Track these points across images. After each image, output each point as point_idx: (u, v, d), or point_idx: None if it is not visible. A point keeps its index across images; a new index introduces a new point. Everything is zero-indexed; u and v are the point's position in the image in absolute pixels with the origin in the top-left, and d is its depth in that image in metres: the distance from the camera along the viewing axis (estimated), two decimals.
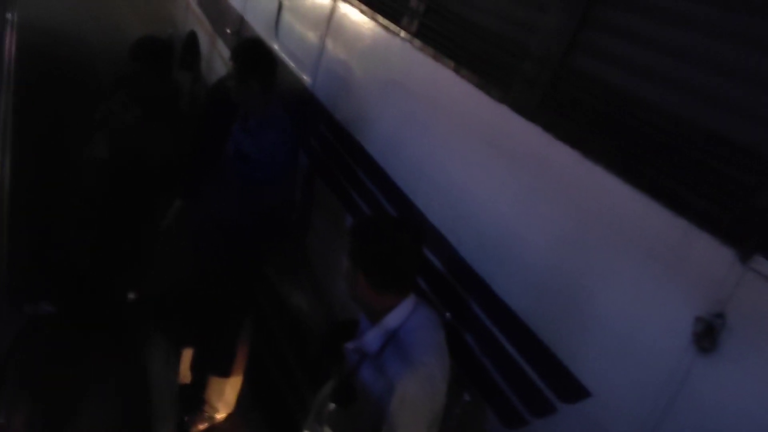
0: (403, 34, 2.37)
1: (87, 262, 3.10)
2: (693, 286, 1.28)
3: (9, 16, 2.28)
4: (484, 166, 1.91)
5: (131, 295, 3.26)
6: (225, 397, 2.88)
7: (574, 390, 1.50)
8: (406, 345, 1.67)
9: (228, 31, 4.27)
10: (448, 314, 1.92)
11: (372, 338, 1.72)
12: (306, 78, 3.13)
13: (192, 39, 5.12)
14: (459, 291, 1.93)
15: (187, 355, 3.02)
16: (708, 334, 1.23)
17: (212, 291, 2.77)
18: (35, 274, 2.96)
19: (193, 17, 5.26)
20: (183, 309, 3.10)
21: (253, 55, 2.69)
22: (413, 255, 1.76)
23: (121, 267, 3.09)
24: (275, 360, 3.33)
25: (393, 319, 1.71)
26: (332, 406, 1.80)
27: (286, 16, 3.50)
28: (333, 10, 2.95)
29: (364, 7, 2.66)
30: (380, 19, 2.53)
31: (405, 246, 1.72)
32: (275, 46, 3.46)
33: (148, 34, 2.92)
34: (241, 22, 4.12)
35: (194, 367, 3.00)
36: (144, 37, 2.88)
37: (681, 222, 1.31)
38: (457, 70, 2.05)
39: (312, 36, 3.13)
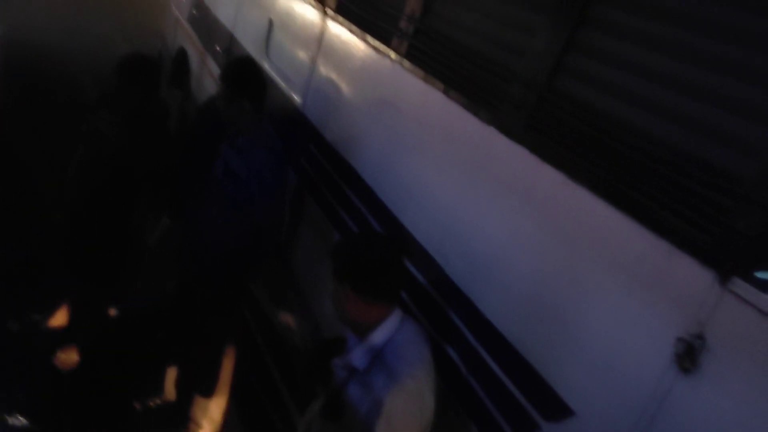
0: (392, 55, 2.41)
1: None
2: (674, 307, 1.31)
3: None
4: (471, 186, 1.94)
5: (114, 311, 3.23)
6: (210, 415, 2.87)
7: (557, 408, 1.51)
8: (392, 361, 1.68)
9: (218, 48, 4.29)
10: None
11: (359, 355, 1.73)
12: (296, 97, 3.16)
13: (182, 56, 5.13)
14: (445, 309, 1.94)
15: (171, 372, 3.00)
16: (689, 355, 1.26)
17: (198, 309, 2.77)
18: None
19: (182, 33, 5.28)
20: (168, 326, 3.09)
21: (244, 74, 2.71)
22: (399, 265, 1.79)
23: (103, 281, 3.05)
24: (261, 377, 3.32)
25: (380, 334, 1.72)
26: (321, 421, 1.80)
27: (277, 35, 3.54)
28: (323, 29, 2.99)
29: (354, 28, 2.70)
30: (370, 39, 2.57)
31: (391, 256, 1.77)
32: (265, 65, 3.48)
33: (135, 51, 2.88)
34: (231, 40, 4.15)
35: (179, 384, 2.98)
36: (130, 54, 2.85)
37: (663, 244, 1.34)
38: (445, 92, 2.08)
39: (302, 55, 3.17)
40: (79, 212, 2.89)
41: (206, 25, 4.71)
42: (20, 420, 1.93)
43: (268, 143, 2.64)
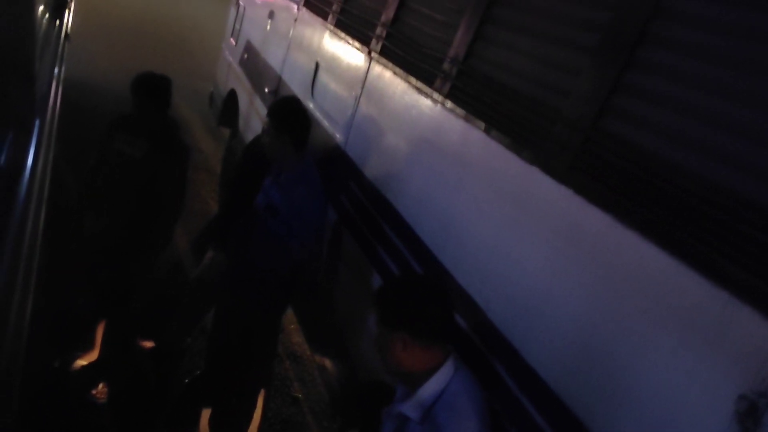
0: (435, 95, 2.40)
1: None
2: (736, 362, 1.21)
3: (56, 71, 2.32)
4: (513, 227, 1.88)
5: (149, 344, 3.23)
6: None
7: None
8: (443, 420, 1.60)
9: (266, 90, 4.40)
10: None
11: (410, 408, 1.67)
12: (338, 136, 3.18)
13: (232, 97, 5.30)
14: (486, 355, 1.87)
15: (206, 411, 2.98)
16: (751, 414, 1.15)
17: (233, 346, 2.76)
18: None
19: (233, 77, 5.45)
20: (205, 363, 3.08)
21: (288, 111, 2.77)
22: (448, 305, 1.76)
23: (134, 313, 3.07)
24: (295, 418, 3.26)
25: (431, 387, 1.66)
26: None
27: (322, 77, 3.60)
28: (367, 71, 3.02)
29: (397, 69, 2.72)
30: (413, 80, 2.58)
31: (440, 295, 1.75)
32: (310, 105, 3.54)
33: (147, 71, 2.98)
34: (278, 82, 4.25)
35: (213, 422, 2.95)
36: (143, 73, 2.96)
37: (722, 293, 1.25)
38: (487, 132, 2.05)
39: (346, 96, 3.21)
40: (112, 241, 2.93)
41: (256, 68, 4.86)
42: None
43: (310, 180, 2.67)
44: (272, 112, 2.77)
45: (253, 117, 4.58)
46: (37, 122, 1.47)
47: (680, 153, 1.44)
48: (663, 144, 1.49)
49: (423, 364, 1.68)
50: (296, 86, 3.94)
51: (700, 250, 1.31)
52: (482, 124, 2.09)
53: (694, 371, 1.28)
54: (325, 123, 3.36)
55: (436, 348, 1.69)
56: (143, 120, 2.96)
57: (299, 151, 2.69)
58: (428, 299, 1.72)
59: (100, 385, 3.01)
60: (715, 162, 1.36)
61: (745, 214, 1.27)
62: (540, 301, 1.72)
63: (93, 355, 3.15)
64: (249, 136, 4.35)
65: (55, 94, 2.09)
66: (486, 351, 1.88)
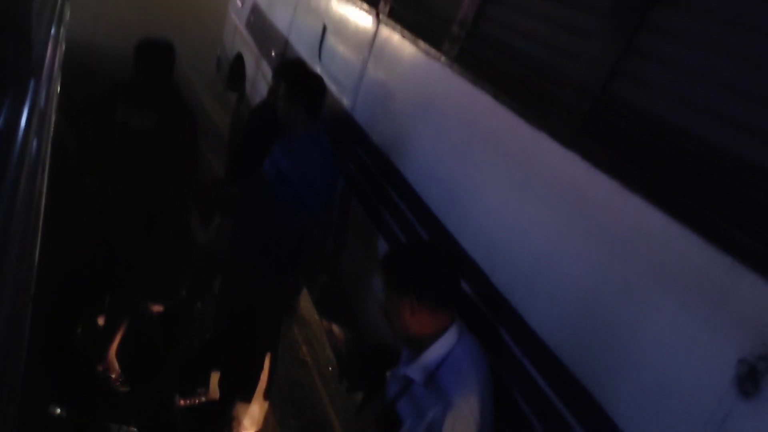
0: (443, 59, 2.37)
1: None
2: (737, 326, 1.22)
3: (54, 31, 2.26)
4: (520, 193, 1.88)
5: (158, 307, 3.26)
6: (253, 415, 2.88)
7: (605, 428, 1.43)
8: (446, 384, 1.63)
9: (273, 53, 4.36)
10: None
11: (415, 371, 1.70)
12: (346, 101, 3.16)
13: (239, 61, 5.25)
14: (490, 320, 1.89)
15: (216, 374, 3.04)
16: (751, 378, 1.17)
17: (242, 311, 2.79)
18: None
19: (240, 40, 5.39)
20: (214, 327, 3.13)
21: (302, 76, 2.74)
22: (456, 269, 1.78)
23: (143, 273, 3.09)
24: (304, 381, 3.33)
25: (436, 351, 1.68)
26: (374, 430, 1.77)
27: (330, 40, 3.56)
28: (375, 34, 2.98)
29: (406, 32, 2.68)
30: (421, 44, 2.55)
31: (448, 260, 1.77)
32: (318, 69, 3.51)
33: (150, 36, 2.86)
34: (285, 45, 4.21)
35: (222, 385, 3.01)
36: (146, 38, 2.84)
37: (725, 258, 1.25)
38: (495, 96, 2.03)
39: (354, 59, 3.17)
40: (116, 209, 2.92)
41: (263, 31, 4.80)
42: (60, 410, 1.97)
43: (321, 149, 2.65)
44: (285, 77, 2.72)
45: (260, 81, 4.54)
46: (32, 83, 1.46)
47: (689, 117, 1.43)
48: (672, 108, 1.47)
49: (429, 328, 1.70)
50: (303, 49, 3.90)
51: (706, 215, 1.31)
52: (491, 88, 2.07)
53: (696, 335, 1.29)
54: (333, 87, 3.33)
55: (442, 313, 1.71)
56: (148, 89, 2.86)
57: (313, 118, 2.67)
58: (436, 264, 1.73)
59: (116, 370, 3.05)
60: (724, 127, 1.35)
61: (752, 180, 1.26)
62: (544, 266, 1.73)
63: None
64: (256, 100, 4.33)
65: (53, 55, 2.05)
66: (490, 315, 1.90)
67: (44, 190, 1.73)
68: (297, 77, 2.71)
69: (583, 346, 1.55)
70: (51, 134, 2.02)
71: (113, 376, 2.98)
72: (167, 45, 2.88)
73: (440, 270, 1.73)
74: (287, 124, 2.71)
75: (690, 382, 1.28)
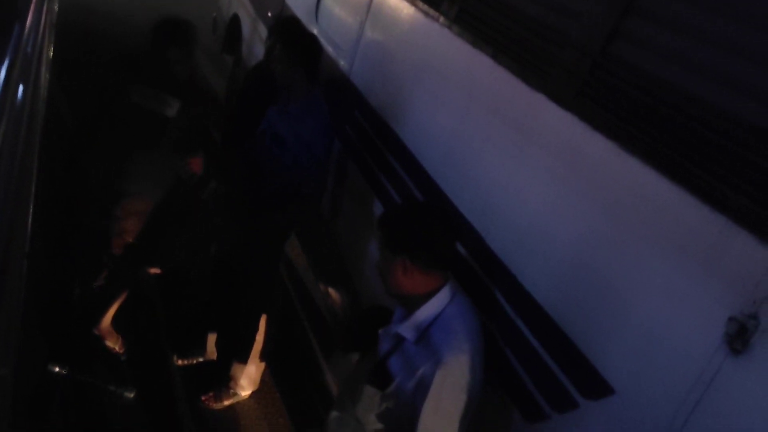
0: (441, 19, 2.34)
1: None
2: (728, 285, 1.23)
3: None
4: (516, 155, 1.87)
5: (156, 270, 3.25)
6: (250, 375, 2.92)
7: (597, 387, 1.46)
8: (438, 342, 1.65)
9: (269, 14, 4.29)
10: None
11: (407, 328, 1.72)
12: (343, 63, 3.12)
13: (235, 23, 5.17)
14: (485, 281, 1.90)
15: (212, 336, 3.07)
16: (740, 336, 1.18)
17: (238, 274, 2.81)
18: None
19: (237, 0, 5.30)
20: (211, 289, 3.15)
21: (301, 38, 2.69)
22: (451, 230, 1.78)
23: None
24: (300, 342, 3.36)
25: (428, 309, 1.70)
26: (366, 388, 1.80)
27: (327, 1, 3.50)
28: None
29: None
30: (420, 4, 2.51)
31: (443, 221, 1.76)
32: (315, 31, 3.46)
33: (169, 16, 2.71)
34: (282, 6, 4.14)
35: (218, 346, 3.05)
36: (166, 19, 2.69)
37: (719, 218, 1.26)
38: (494, 57, 2.01)
39: (351, 21, 3.13)
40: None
41: None
42: (59, 368, 1.99)
43: (319, 113, 2.62)
44: (281, 37, 2.66)
45: (257, 43, 4.48)
46: (16, 28, 1.42)
47: (686, 78, 1.42)
48: (670, 69, 1.46)
49: (422, 287, 1.72)
50: (300, 11, 3.84)
51: (701, 175, 1.31)
52: (490, 50, 2.04)
53: (688, 294, 1.30)
54: (330, 49, 3.29)
55: (435, 273, 1.72)
56: (167, 72, 2.69)
57: (311, 81, 2.64)
58: (431, 225, 1.74)
59: (114, 335, 3.04)
60: (720, 88, 1.34)
61: (747, 141, 1.25)
62: (540, 228, 1.74)
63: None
64: (252, 63, 4.27)
65: (39, 4, 1.98)
66: (484, 276, 1.91)
67: (36, 140, 1.70)
68: (293, 37, 2.66)
69: (577, 305, 1.57)
70: (42, 85, 1.95)
71: (110, 342, 3.01)
72: (189, 26, 2.73)
73: (435, 232, 1.73)
74: (284, 87, 2.67)
75: (681, 340, 1.30)
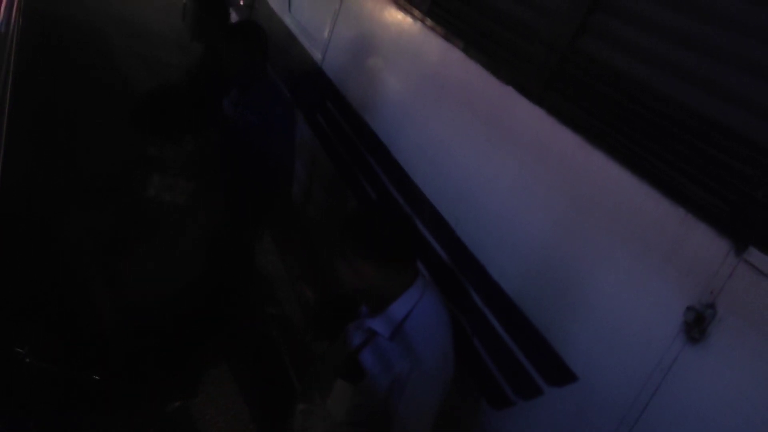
0: (415, 12, 2.35)
1: None
2: (686, 275, 1.27)
3: None
4: (486, 147, 1.90)
5: None
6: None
7: (561, 373, 1.50)
8: (413, 338, 1.64)
9: (241, 3, 4.24)
10: None
11: (380, 323, 1.70)
12: (316, 53, 3.11)
13: None
14: (453, 270, 1.93)
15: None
16: (698, 324, 1.23)
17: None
18: None
19: None
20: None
21: (242, 28, 2.66)
22: (410, 229, 1.77)
23: None
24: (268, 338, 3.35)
25: (401, 306, 1.68)
26: (338, 382, 1.80)
27: None
28: None
29: None
30: None
31: (402, 220, 1.76)
32: (287, 21, 3.44)
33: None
34: None
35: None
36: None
37: (679, 211, 1.31)
38: (465, 50, 2.03)
39: (324, 11, 3.11)
40: None
41: None
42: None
43: (281, 97, 2.59)
44: (227, 33, 2.62)
45: None
46: None
47: (650, 74, 1.46)
48: (634, 65, 1.50)
49: (393, 285, 1.72)
50: (273, 1, 3.81)
51: (662, 169, 1.35)
52: (461, 43, 2.06)
53: (648, 284, 1.34)
54: (302, 39, 3.28)
55: (404, 270, 1.72)
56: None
57: (258, 66, 2.57)
58: (392, 225, 1.71)
59: None
60: (682, 83, 1.38)
61: (708, 135, 1.30)
62: (508, 219, 1.77)
63: None
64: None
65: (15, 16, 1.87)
66: (454, 266, 1.94)
67: None
68: (235, 30, 2.63)
69: (542, 294, 1.60)
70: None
71: None
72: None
73: (397, 231, 1.72)
74: (231, 76, 2.61)
75: (641, 328, 1.35)
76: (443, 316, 1.73)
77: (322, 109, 2.93)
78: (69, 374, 2.04)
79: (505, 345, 1.68)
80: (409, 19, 2.39)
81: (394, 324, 1.69)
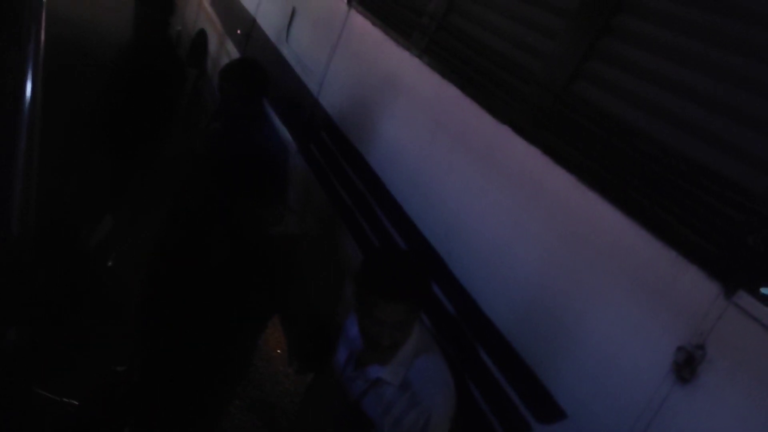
0: (412, 49, 2.40)
1: None
2: (677, 316, 1.30)
3: None
4: (480, 183, 1.93)
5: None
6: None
7: (550, 410, 1.51)
8: (418, 386, 1.66)
9: (239, 32, 4.30)
10: None
11: (391, 374, 1.69)
12: (312, 84, 3.16)
13: (201, 37, 5.16)
14: (445, 305, 1.94)
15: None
16: (688, 365, 1.25)
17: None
18: None
19: (204, 16, 5.29)
20: None
21: (246, 67, 2.74)
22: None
23: None
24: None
25: (407, 351, 1.68)
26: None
27: (298, 23, 3.54)
28: (346, 20, 2.99)
29: (376, 21, 2.70)
30: (392, 33, 2.57)
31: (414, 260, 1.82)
32: (284, 52, 3.49)
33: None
34: (252, 25, 4.16)
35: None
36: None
37: (670, 253, 1.34)
38: (462, 88, 2.08)
39: (322, 44, 3.17)
40: None
41: (229, 9, 4.72)
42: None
43: (274, 129, 2.64)
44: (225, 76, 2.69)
45: (223, 59, 4.48)
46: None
47: (643, 120, 1.51)
48: (628, 110, 1.55)
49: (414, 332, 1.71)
50: (270, 31, 3.86)
51: (654, 211, 1.39)
52: (458, 81, 2.11)
53: (639, 323, 1.37)
54: (298, 70, 3.32)
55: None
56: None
57: (244, 97, 2.64)
58: (423, 270, 1.77)
59: None
60: (674, 129, 1.43)
61: (699, 180, 1.34)
62: (500, 255, 1.79)
63: None
64: (216, 79, 4.25)
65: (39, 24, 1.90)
66: (446, 301, 1.95)
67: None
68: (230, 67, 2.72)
69: (533, 330, 1.62)
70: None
71: None
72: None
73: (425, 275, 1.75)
74: (231, 112, 2.69)
75: (631, 367, 1.36)
76: (441, 357, 1.73)
77: (317, 140, 2.96)
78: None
79: (495, 380, 1.68)
80: (406, 56, 2.44)
81: (402, 372, 1.67)
